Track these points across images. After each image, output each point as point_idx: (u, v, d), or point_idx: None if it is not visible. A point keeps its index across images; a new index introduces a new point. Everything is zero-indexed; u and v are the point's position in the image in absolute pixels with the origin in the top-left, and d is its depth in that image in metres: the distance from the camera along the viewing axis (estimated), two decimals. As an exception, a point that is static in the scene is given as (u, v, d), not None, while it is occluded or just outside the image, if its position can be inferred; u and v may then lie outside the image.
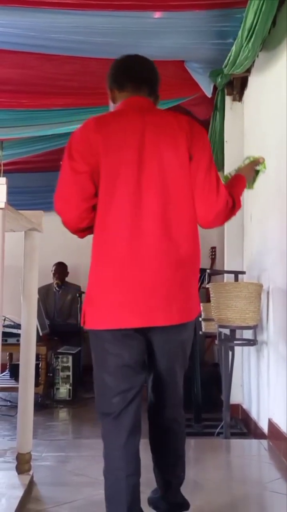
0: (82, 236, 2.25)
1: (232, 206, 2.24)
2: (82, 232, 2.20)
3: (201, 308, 4.89)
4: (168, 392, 2.18)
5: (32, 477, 2.82)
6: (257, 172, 2.51)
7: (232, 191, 2.28)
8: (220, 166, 6.47)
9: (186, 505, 2.28)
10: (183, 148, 2.11)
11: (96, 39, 4.00)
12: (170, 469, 2.24)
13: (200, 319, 4.82)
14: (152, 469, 2.25)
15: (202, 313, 4.87)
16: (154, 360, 2.14)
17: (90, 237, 2.18)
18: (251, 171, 2.49)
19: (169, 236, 2.06)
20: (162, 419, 2.21)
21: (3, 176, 1.88)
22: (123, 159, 2.07)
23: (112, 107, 2.30)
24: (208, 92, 4.76)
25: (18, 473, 2.79)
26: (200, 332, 4.83)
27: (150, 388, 2.22)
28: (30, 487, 2.73)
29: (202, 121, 5.82)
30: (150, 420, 2.24)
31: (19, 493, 2.55)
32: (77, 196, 2.08)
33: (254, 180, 2.51)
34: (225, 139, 5.22)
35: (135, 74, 2.25)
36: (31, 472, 2.83)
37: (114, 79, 2.28)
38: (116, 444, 2.04)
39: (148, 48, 4.17)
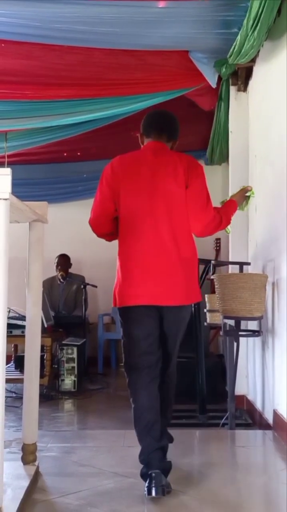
0: (105, 238, 3.09)
1: (220, 221, 2.99)
2: (107, 236, 3.07)
3: (206, 299, 4.89)
4: (171, 353, 2.94)
5: (37, 467, 2.83)
6: (248, 197, 3.25)
7: (221, 210, 3.06)
8: (224, 157, 6.46)
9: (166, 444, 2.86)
10: (181, 178, 2.90)
11: (100, 29, 3.97)
12: (162, 411, 2.85)
13: (205, 310, 4.81)
14: None
15: (207, 304, 4.86)
16: (164, 329, 2.89)
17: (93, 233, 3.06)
18: (241, 197, 3.27)
19: (175, 241, 2.85)
20: (163, 375, 2.91)
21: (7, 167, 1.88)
22: (139, 185, 2.89)
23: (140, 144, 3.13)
24: (212, 82, 4.73)
25: (24, 464, 2.81)
26: (205, 324, 4.83)
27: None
28: (35, 478, 2.74)
29: (207, 112, 5.80)
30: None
31: (25, 483, 2.56)
32: (100, 209, 2.96)
33: (246, 203, 3.27)
34: (230, 129, 5.19)
35: (157, 126, 3.07)
36: (36, 463, 2.84)
37: (144, 128, 3.09)
38: (141, 386, 2.81)
39: (152, 38, 4.15)
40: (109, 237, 3.08)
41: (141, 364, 2.82)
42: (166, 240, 2.83)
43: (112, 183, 2.92)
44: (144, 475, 2.69)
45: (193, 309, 4.57)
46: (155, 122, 3.10)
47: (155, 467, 2.66)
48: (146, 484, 2.61)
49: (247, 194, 3.27)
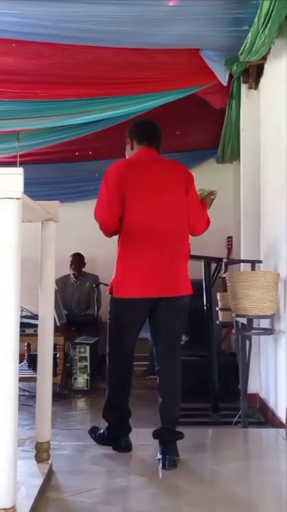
0: (110, 236, 3.30)
1: (207, 221, 3.46)
2: (112, 234, 3.27)
3: (218, 297, 4.89)
4: (169, 337, 3.27)
5: (51, 466, 2.84)
6: (212, 199, 3.62)
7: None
8: (235, 155, 6.44)
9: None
10: (182, 184, 3.26)
11: (110, 28, 3.98)
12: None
13: (217, 308, 4.81)
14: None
15: (219, 302, 4.86)
16: (161, 319, 3.22)
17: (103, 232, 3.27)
18: (209, 199, 3.59)
19: (174, 239, 3.18)
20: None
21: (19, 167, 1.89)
22: (146, 190, 3.16)
23: (128, 151, 3.38)
24: (223, 80, 4.72)
25: (37, 462, 2.81)
26: (217, 322, 4.82)
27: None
28: (49, 476, 2.75)
29: (218, 110, 5.79)
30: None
31: (39, 481, 2.57)
32: (111, 211, 3.16)
33: (209, 205, 3.59)
34: (241, 127, 5.18)
35: (149, 134, 3.36)
36: (50, 461, 2.85)
37: (136, 134, 3.35)
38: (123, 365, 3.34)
39: (163, 36, 4.15)
40: (112, 234, 3.29)
41: None
42: (174, 241, 3.18)
43: (119, 186, 3.13)
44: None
45: (205, 307, 4.58)
46: (148, 130, 3.38)
47: None
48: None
49: (212, 197, 3.61)
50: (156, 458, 3.04)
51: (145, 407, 4.13)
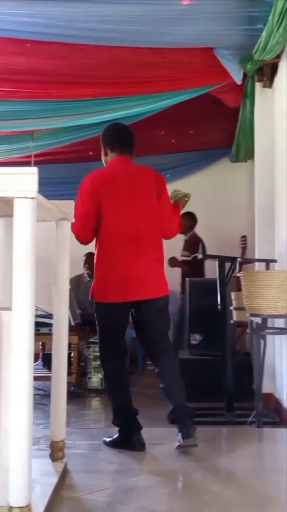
0: (86, 244, 3.51)
1: (180, 224, 3.60)
2: (87, 243, 3.47)
3: (233, 297, 4.87)
4: (156, 335, 3.39)
5: (65, 464, 2.85)
6: (186, 201, 3.68)
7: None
8: (250, 154, 6.43)
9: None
10: (153, 190, 3.40)
11: (125, 28, 3.99)
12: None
13: (231, 308, 4.80)
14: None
15: (233, 301, 4.85)
16: (144, 323, 3.38)
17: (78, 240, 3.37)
18: (183, 201, 3.67)
19: (148, 243, 3.33)
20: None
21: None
22: (120, 199, 3.31)
23: (103, 157, 3.52)
24: (237, 79, 4.71)
25: (52, 461, 2.82)
26: (231, 321, 4.81)
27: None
28: (64, 475, 2.75)
29: (232, 109, 5.78)
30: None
31: (53, 480, 2.57)
32: (86, 222, 3.32)
33: (183, 206, 3.69)
34: (255, 126, 5.16)
35: (122, 141, 3.47)
36: (64, 460, 2.86)
37: (109, 142, 3.47)
38: (116, 366, 3.42)
39: (177, 36, 4.15)
40: (88, 243, 3.50)
41: None
42: (147, 245, 3.33)
43: (94, 198, 3.31)
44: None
45: (219, 306, 4.57)
46: (120, 137, 3.50)
47: None
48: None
49: (186, 199, 3.69)
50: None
51: (159, 406, 4.12)
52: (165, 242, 3.47)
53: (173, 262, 6.41)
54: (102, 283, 3.35)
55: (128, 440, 3.28)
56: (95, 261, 3.44)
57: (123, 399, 3.40)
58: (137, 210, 3.36)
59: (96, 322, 3.45)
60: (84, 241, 3.44)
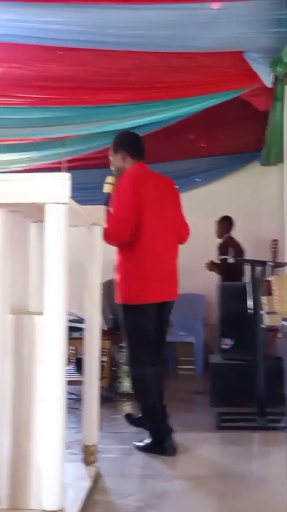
0: (118, 246, 3.51)
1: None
2: (122, 245, 3.47)
3: (264, 301, 4.83)
4: (163, 336, 3.58)
5: (98, 468, 2.86)
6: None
7: None
8: (280, 157, 6.38)
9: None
10: (177, 198, 3.64)
11: (153, 33, 4.00)
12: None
13: (263, 312, 4.76)
14: None
15: (264, 306, 4.81)
16: (160, 323, 3.49)
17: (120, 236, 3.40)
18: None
19: (173, 245, 3.54)
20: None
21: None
22: (153, 202, 3.42)
23: (118, 162, 3.61)
24: (268, 82, 4.68)
25: (85, 465, 2.84)
26: (263, 326, 4.77)
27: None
28: (96, 479, 2.77)
29: (261, 112, 5.74)
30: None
31: (86, 484, 2.59)
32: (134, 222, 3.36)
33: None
34: (285, 129, 5.12)
35: (141, 149, 3.62)
36: (97, 464, 2.87)
37: (130, 148, 3.58)
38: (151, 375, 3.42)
39: (206, 40, 4.14)
40: (123, 244, 3.48)
41: None
42: (173, 247, 3.53)
43: (138, 202, 3.37)
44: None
45: (250, 311, 4.54)
46: (140, 143, 3.64)
47: None
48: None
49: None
50: None
51: (191, 411, 4.12)
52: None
53: (209, 265, 6.41)
54: (140, 285, 3.39)
55: (160, 444, 3.28)
56: (124, 264, 3.47)
57: (156, 403, 3.44)
58: (167, 216, 3.48)
59: (128, 326, 3.45)
60: (122, 242, 3.43)
